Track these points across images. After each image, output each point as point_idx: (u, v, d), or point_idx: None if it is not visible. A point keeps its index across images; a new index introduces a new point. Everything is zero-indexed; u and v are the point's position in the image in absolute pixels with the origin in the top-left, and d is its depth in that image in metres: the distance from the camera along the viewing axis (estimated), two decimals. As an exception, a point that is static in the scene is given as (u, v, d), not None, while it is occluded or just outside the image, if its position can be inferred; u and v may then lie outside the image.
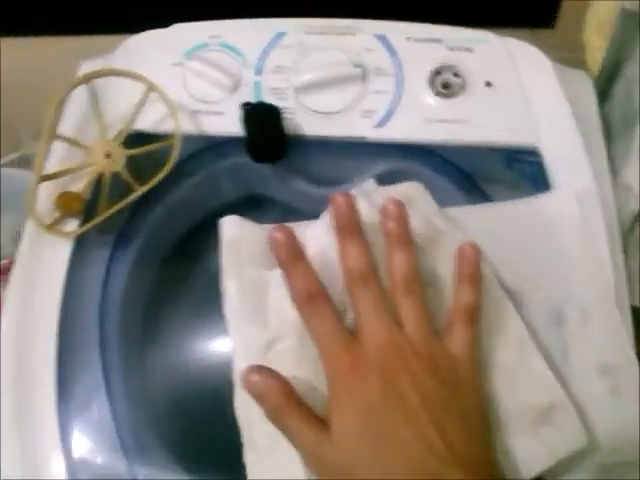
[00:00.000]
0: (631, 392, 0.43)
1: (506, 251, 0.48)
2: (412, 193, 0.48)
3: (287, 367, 0.42)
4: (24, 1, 0.79)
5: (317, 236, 0.46)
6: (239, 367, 0.43)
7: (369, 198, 0.46)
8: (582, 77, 0.60)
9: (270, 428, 0.41)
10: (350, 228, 0.44)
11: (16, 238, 0.82)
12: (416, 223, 0.45)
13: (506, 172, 0.56)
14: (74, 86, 0.55)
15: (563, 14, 0.74)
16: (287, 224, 0.45)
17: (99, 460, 0.47)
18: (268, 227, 0.47)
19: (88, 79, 0.55)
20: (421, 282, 0.43)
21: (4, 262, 0.78)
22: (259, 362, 0.42)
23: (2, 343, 0.50)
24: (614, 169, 0.55)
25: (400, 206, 0.44)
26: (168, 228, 0.59)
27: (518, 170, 0.55)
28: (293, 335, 0.43)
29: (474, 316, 0.43)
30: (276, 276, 0.45)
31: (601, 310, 0.46)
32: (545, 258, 0.49)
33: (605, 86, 0.62)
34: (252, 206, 0.62)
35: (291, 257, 0.43)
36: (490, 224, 0.49)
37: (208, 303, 0.53)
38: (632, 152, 0.54)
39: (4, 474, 0.46)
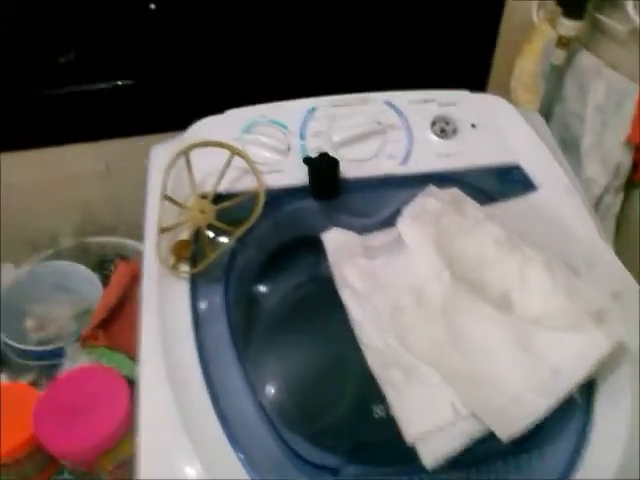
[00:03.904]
0: (636, 307, 0.62)
1: (528, 229, 0.67)
2: (461, 195, 0.67)
3: (410, 323, 0.57)
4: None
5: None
6: (368, 331, 0.58)
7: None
8: (535, 115, 0.83)
9: (401, 366, 0.55)
10: None
11: (77, 316, 0.91)
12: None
13: (501, 183, 0.76)
14: (176, 158, 0.69)
15: (492, 79, 1.00)
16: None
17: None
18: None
19: (186, 151, 0.69)
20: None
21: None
22: (388, 325, 0.57)
23: (146, 363, 0.60)
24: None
25: None
26: (254, 260, 0.72)
27: (510, 181, 0.76)
28: (409, 296, 0.59)
29: None
30: (381, 260, 0.61)
31: (602, 259, 0.66)
32: (551, 232, 0.68)
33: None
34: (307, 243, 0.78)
35: None
36: (512, 214, 0.69)
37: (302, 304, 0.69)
38: (582, 158, 0.78)
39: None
